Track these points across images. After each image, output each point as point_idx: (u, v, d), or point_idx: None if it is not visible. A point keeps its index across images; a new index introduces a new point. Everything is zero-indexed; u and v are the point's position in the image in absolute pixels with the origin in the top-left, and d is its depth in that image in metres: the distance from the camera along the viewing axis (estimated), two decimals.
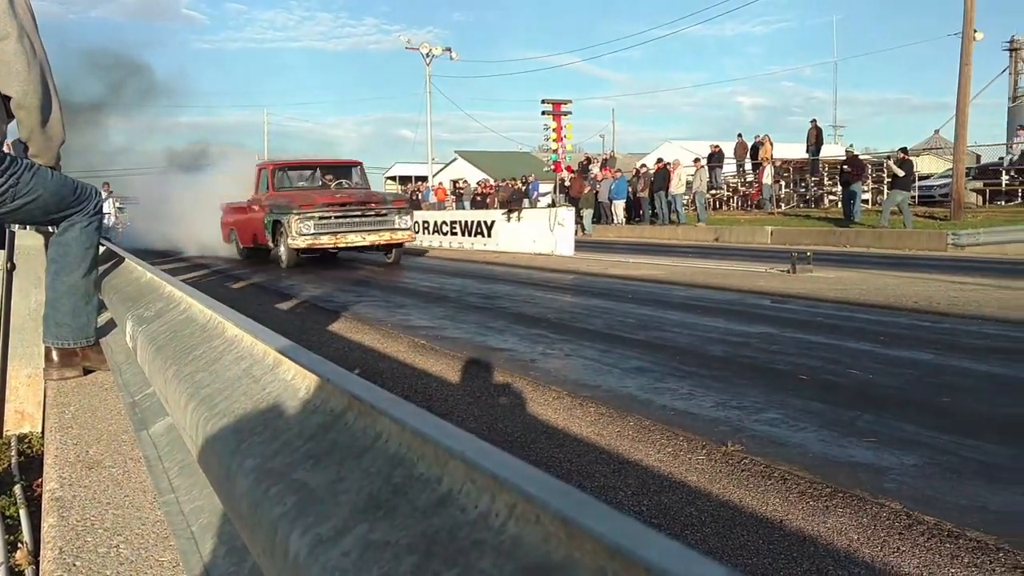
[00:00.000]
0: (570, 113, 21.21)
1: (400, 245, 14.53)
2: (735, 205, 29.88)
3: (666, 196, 25.82)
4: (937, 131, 41.18)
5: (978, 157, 29.64)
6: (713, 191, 29.05)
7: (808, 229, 21.46)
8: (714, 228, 23.48)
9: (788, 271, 11.32)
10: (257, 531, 1.34)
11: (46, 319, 4.28)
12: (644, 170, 28.39)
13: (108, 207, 22.96)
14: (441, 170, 54.89)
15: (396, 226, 14.05)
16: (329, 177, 15.35)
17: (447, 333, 6.96)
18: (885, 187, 23.64)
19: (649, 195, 26.82)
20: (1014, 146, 25.38)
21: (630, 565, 0.67)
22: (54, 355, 4.34)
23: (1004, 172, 24.62)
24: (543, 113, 21.17)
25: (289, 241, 13.31)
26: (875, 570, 2.52)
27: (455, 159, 62.11)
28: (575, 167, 29.68)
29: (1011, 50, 37.60)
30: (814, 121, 27.32)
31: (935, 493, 3.05)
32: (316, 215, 13.29)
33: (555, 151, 21.60)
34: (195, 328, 2.83)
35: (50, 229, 4.56)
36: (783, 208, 27.45)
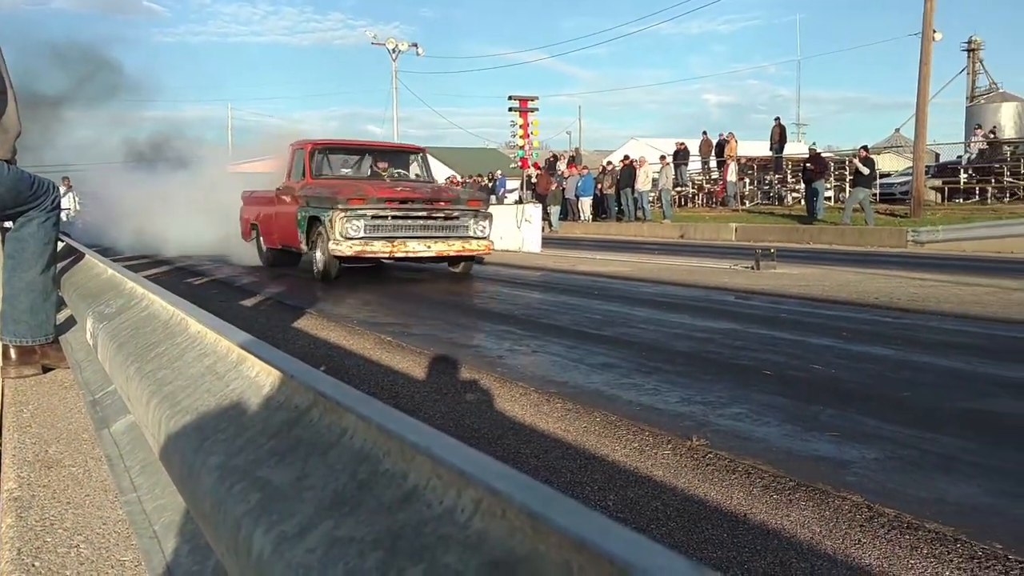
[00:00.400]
0: (537, 110, 21.26)
1: (472, 258, 11.35)
2: (700, 202, 30.13)
3: (632, 193, 25.97)
4: (897, 130, 41.87)
5: (937, 155, 30.19)
6: (678, 188, 29.27)
7: (772, 226, 21.71)
8: (679, 225, 23.66)
9: (752, 268, 11.43)
10: (220, 529, 1.33)
11: (3, 316, 4.20)
12: (611, 167, 28.52)
13: (68, 202, 22.57)
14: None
15: (471, 233, 10.76)
16: (383, 165, 12.11)
17: (413, 330, 6.93)
18: (847, 184, 23.97)
19: (615, 192, 26.95)
20: (972, 145, 25.88)
21: (595, 558, 0.68)
22: (12, 353, 4.26)
23: (962, 170, 25.09)
24: (510, 110, 21.19)
25: (331, 246, 10.04)
26: (837, 562, 2.55)
27: None
28: (542, 164, 29.74)
29: (969, 50, 38.36)
30: (778, 119, 27.68)
31: (896, 486, 3.10)
32: (368, 213, 10.04)
33: (522, 148, 21.64)
34: (157, 325, 2.80)
35: (6, 225, 4.48)
36: (747, 205, 27.73)
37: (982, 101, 34.39)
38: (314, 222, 10.62)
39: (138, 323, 3.01)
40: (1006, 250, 14.74)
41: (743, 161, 28.84)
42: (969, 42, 38.69)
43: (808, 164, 22.47)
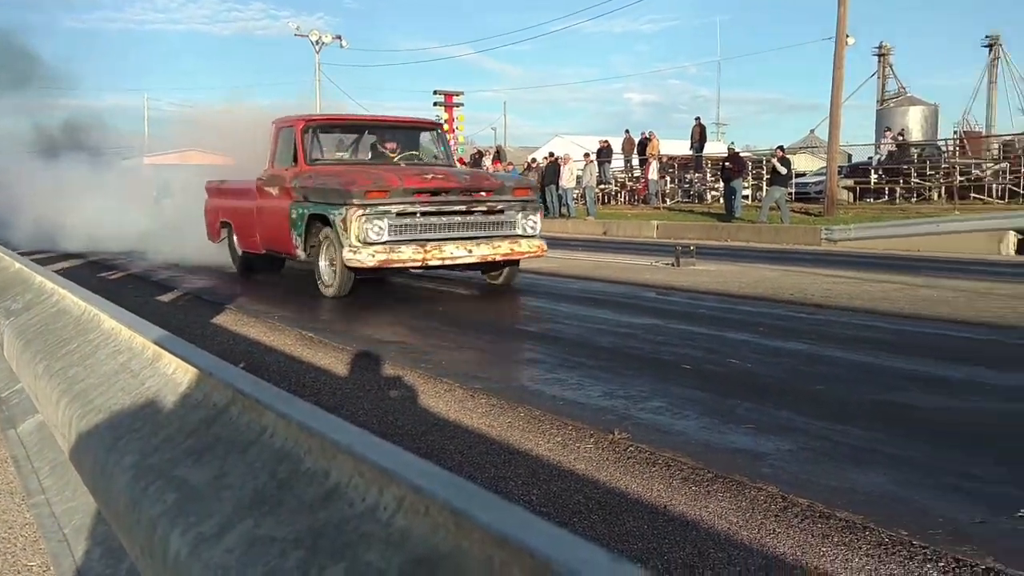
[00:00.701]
0: (462, 105, 21.25)
1: (517, 263, 9.07)
2: (623, 200, 30.51)
3: (557, 190, 26.15)
4: (812, 131, 43.05)
5: (849, 156, 31.17)
6: (602, 186, 29.59)
7: (692, 224, 22.13)
8: (603, 222, 23.91)
9: (673, 264, 11.64)
10: (135, 531, 1.29)
11: None
12: (535, 164, 28.67)
13: None
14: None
15: (519, 231, 8.51)
16: (391, 145, 9.77)
17: (336, 326, 6.86)
18: (764, 184, 24.59)
19: (540, 189, 27.08)
20: (882, 146, 26.86)
21: (517, 553, 0.68)
22: None
23: (873, 171, 26.01)
24: (435, 104, 21.12)
25: (347, 254, 7.73)
26: (753, 551, 2.63)
27: None
28: (467, 159, 29.71)
29: (879, 55, 39.78)
30: (698, 119, 28.20)
31: (809, 476, 3.20)
32: (393, 209, 7.80)
33: None
34: (68, 321, 2.71)
35: None
36: (668, 203, 28.20)
37: (891, 104, 35.66)
38: (315, 222, 8.37)
39: (48, 319, 2.91)
40: (913, 248, 15.32)
41: (664, 160, 29.31)
42: (880, 47, 40.11)
43: (727, 163, 22.94)
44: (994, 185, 22.89)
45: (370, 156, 9.75)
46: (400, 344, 6.02)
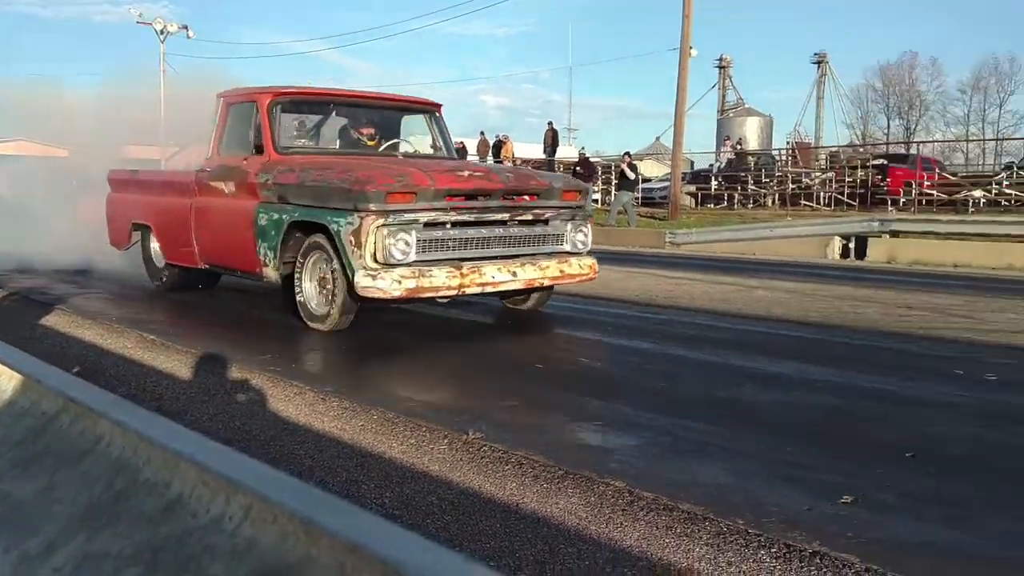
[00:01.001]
0: None
1: (552, 288, 6.98)
2: None
3: None
4: (658, 138, 44.81)
5: (692, 163, 32.63)
6: None
7: None
8: None
9: None
10: None
11: None
12: None
13: None
14: (176, 154, 51.52)
15: (567, 246, 6.61)
16: (368, 131, 7.50)
17: (180, 327, 6.57)
18: (613, 188, 25.38)
19: None
20: (721, 155, 28.31)
21: (368, 559, 0.68)
22: None
23: (714, 178, 27.35)
24: None
25: (361, 279, 5.61)
26: (601, 545, 2.71)
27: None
28: None
29: (720, 67, 41.87)
30: (550, 123, 28.78)
31: (654, 471, 3.32)
32: (421, 218, 5.80)
33: None
34: None
35: None
36: None
37: (731, 115, 37.65)
38: (297, 231, 6.26)
39: None
40: (749, 252, 16.20)
41: (518, 163, 29.75)
42: (720, 60, 42.21)
43: (578, 168, 23.52)
44: (822, 193, 24.53)
45: (339, 144, 7.47)
46: (247, 346, 5.83)
